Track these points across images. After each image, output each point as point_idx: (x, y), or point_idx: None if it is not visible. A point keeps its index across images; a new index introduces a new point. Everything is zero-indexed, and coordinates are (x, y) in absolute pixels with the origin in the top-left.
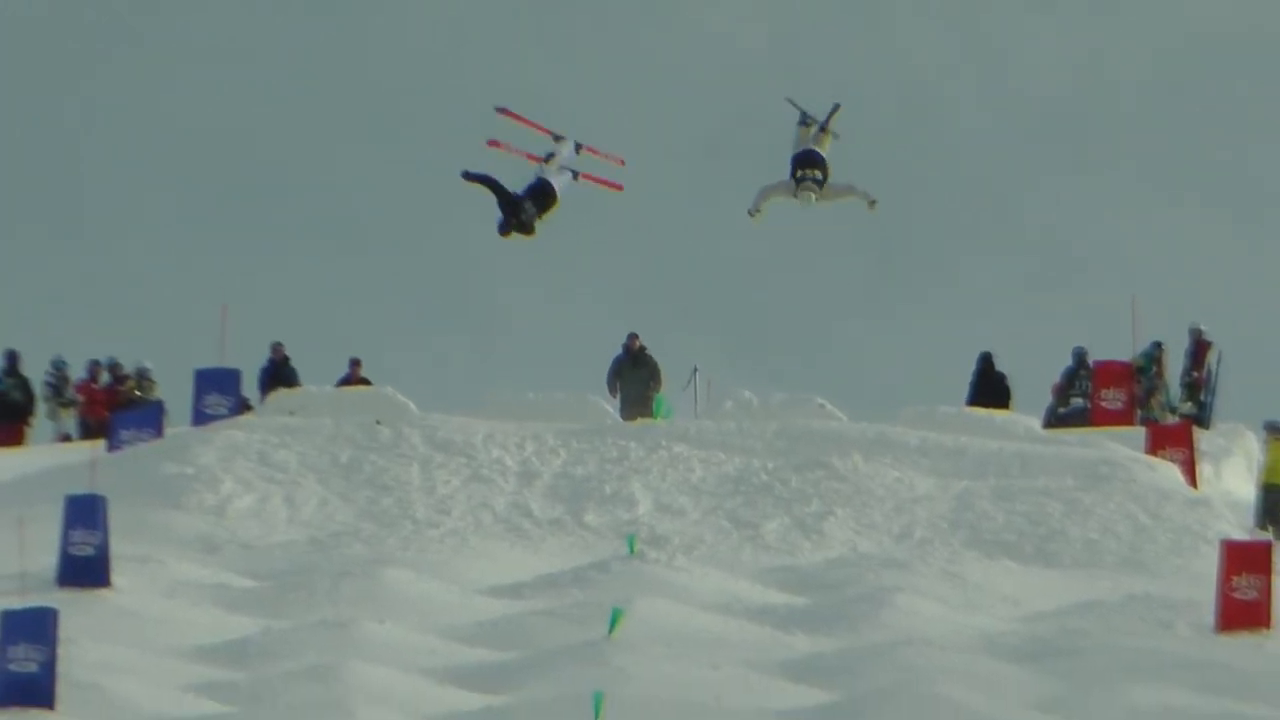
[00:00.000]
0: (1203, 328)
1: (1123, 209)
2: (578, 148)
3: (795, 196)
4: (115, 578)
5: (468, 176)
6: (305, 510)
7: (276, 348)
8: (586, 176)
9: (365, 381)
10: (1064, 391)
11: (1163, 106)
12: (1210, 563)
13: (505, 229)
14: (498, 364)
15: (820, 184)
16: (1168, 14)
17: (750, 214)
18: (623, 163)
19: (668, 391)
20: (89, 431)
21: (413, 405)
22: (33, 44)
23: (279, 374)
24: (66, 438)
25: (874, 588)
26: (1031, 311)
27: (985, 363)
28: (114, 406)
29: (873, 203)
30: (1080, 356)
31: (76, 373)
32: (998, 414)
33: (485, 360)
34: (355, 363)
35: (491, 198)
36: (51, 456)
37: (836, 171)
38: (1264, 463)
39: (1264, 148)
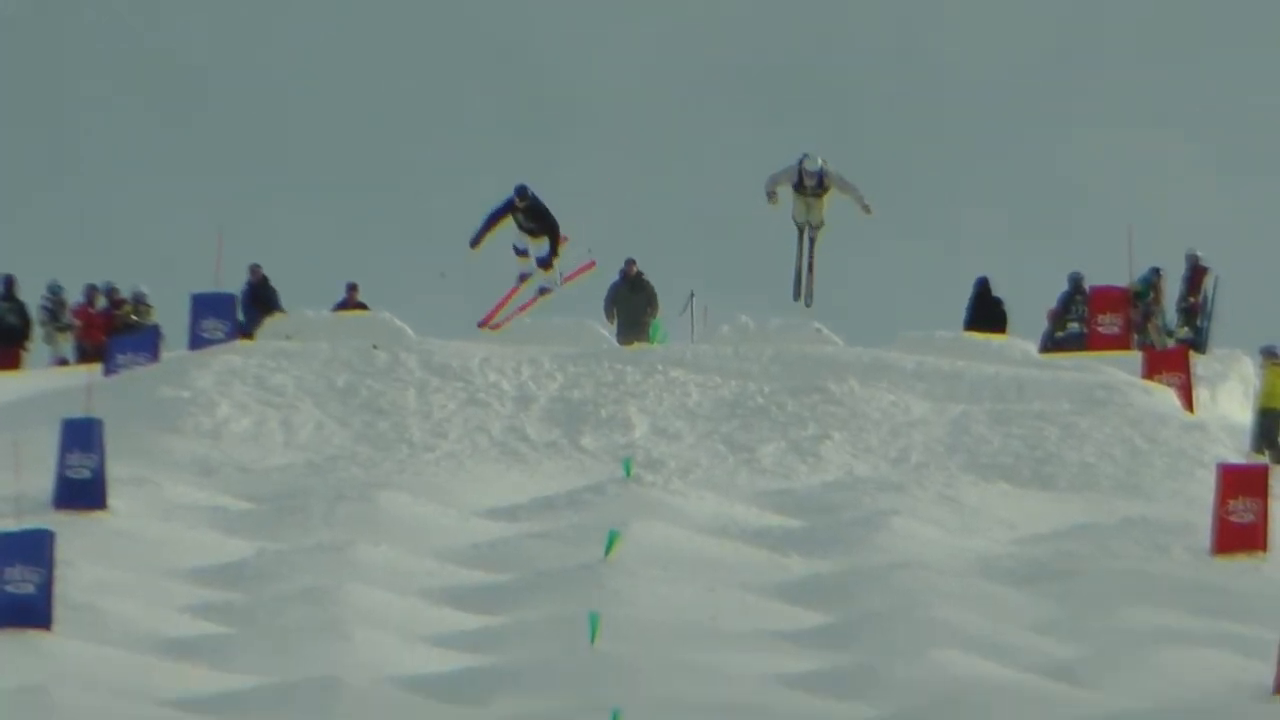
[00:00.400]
0: (1199, 253)
1: (1119, 136)
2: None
3: (798, 191)
4: (111, 500)
5: (475, 242)
6: (302, 434)
7: (254, 269)
8: (566, 279)
9: (362, 306)
10: (1060, 317)
11: (1157, 33)
12: (1206, 486)
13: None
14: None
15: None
16: None
17: (768, 199)
18: (594, 264)
19: (664, 316)
20: (85, 356)
21: (409, 330)
22: None
23: (259, 296)
24: (63, 362)
25: (870, 511)
26: (1028, 238)
27: (982, 287)
28: (110, 331)
29: (867, 208)
30: (1076, 281)
31: (73, 297)
32: (994, 339)
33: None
34: (352, 287)
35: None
36: (48, 380)
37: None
38: (1260, 387)
39: (1258, 75)
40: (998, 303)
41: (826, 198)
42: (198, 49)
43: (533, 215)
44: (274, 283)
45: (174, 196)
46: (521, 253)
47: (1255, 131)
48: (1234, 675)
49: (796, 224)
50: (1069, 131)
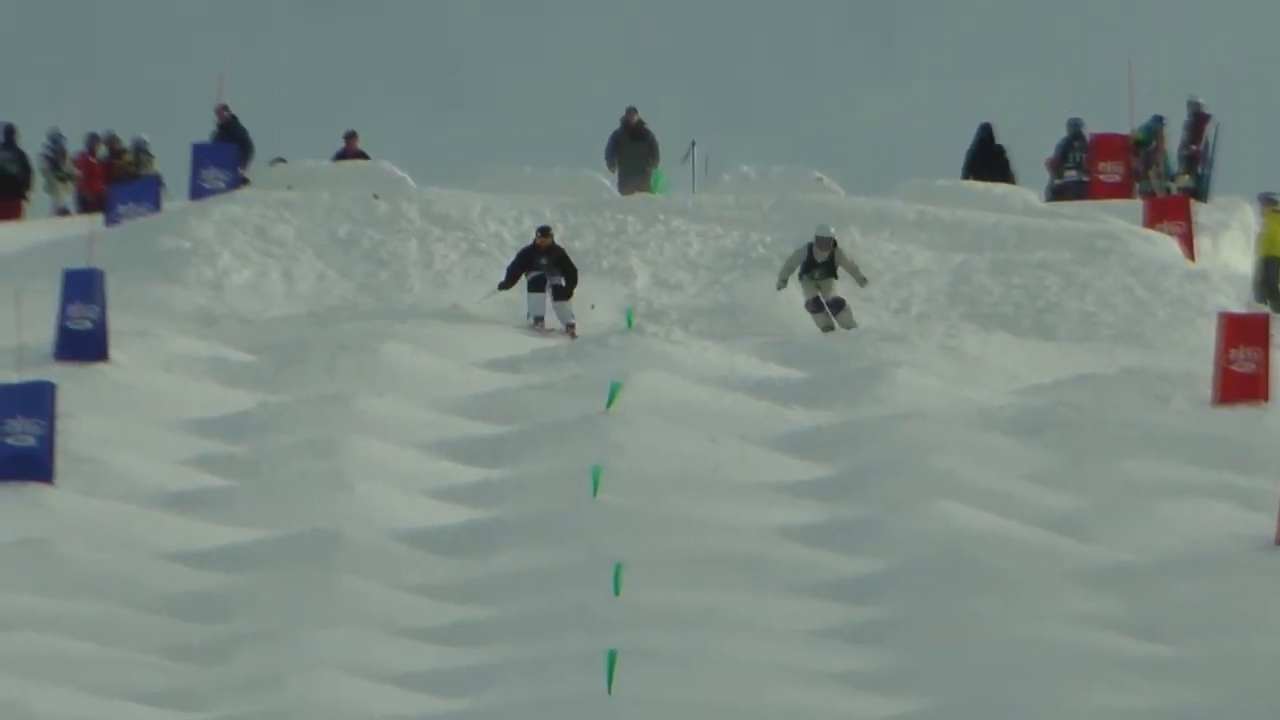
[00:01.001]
0: (1201, 100)
1: None
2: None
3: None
4: (113, 352)
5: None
6: (303, 284)
7: (220, 110)
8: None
9: (361, 155)
10: (1059, 164)
11: None
12: (1208, 336)
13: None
14: (495, 139)
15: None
16: None
17: (779, 287)
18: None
19: (665, 166)
20: (86, 206)
21: (410, 179)
22: None
23: (228, 138)
24: (64, 212)
25: (872, 361)
26: (1029, 84)
27: (985, 134)
28: (111, 180)
29: (863, 281)
30: (1076, 128)
31: (74, 146)
32: (996, 187)
33: (483, 135)
34: (350, 136)
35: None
36: (49, 231)
37: None
38: (1261, 235)
39: None
40: (1000, 150)
41: (836, 282)
42: None
43: (557, 262)
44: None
45: (175, 44)
46: (538, 319)
47: None
48: (1235, 526)
49: (807, 303)
50: None
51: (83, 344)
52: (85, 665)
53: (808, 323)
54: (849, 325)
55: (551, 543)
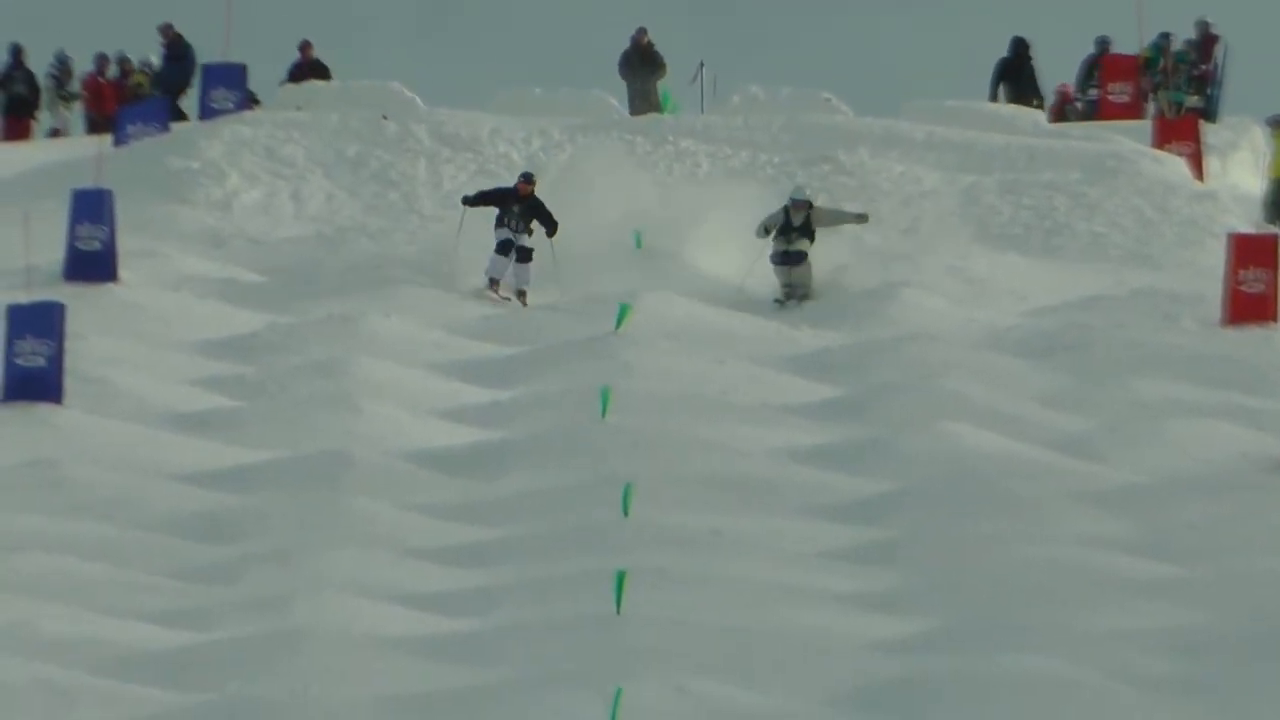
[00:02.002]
0: (1210, 20)
1: None
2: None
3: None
4: (122, 272)
5: (468, 202)
6: (311, 205)
7: (165, 29)
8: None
9: (318, 64)
10: (1084, 82)
11: None
12: (1217, 256)
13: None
14: (504, 60)
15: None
16: None
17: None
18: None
19: (673, 87)
20: (96, 126)
21: (419, 100)
22: None
23: (175, 55)
24: (55, 133)
25: (881, 282)
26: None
27: (1020, 47)
28: (121, 101)
29: (861, 217)
30: (1104, 46)
31: (83, 67)
32: (1005, 108)
33: (492, 56)
34: (305, 46)
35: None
36: (57, 151)
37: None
38: (1271, 156)
39: None
40: (1032, 69)
41: (809, 243)
42: None
43: (531, 211)
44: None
45: None
46: (494, 281)
47: None
48: (1243, 446)
49: (772, 255)
50: None
51: (92, 264)
52: (93, 586)
53: (817, 241)
54: (805, 284)
55: (560, 463)
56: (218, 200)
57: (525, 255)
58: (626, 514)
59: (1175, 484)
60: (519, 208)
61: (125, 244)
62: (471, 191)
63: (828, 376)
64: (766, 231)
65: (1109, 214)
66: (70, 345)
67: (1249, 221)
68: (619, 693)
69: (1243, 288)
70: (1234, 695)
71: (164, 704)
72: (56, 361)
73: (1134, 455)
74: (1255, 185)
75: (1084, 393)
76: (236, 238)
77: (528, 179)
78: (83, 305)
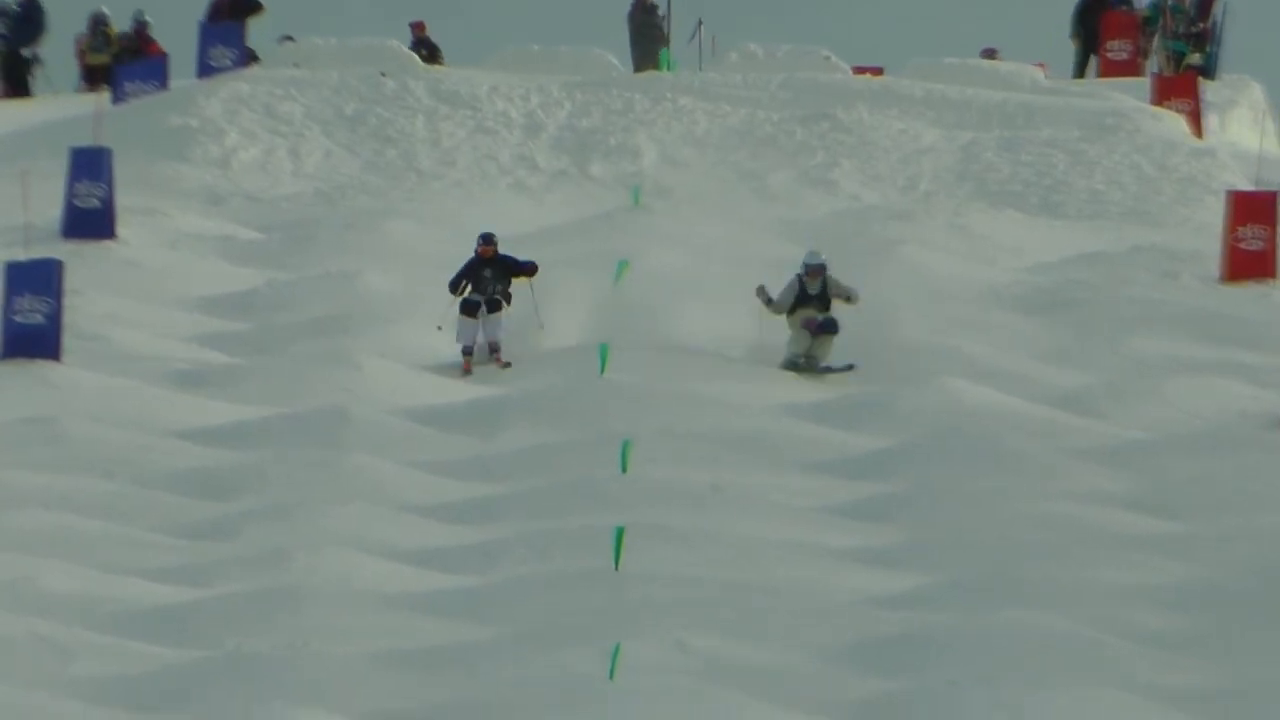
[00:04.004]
0: None
1: None
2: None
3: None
4: (120, 229)
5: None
6: (310, 162)
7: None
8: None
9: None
10: (1076, 28)
11: None
12: (1216, 213)
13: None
14: (503, 17)
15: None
16: None
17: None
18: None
19: (672, 45)
20: (93, 82)
21: (418, 57)
22: None
23: (29, 16)
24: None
25: (879, 239)
26: None
27: None
28: (118, 59)
29: (854, 299)
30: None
31: (78, 28)
32: (1003, 65)
33: (490, 13)
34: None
35: None
36: (56, 109)
37: None
38: None
39: None
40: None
41: (832, 339)
42: None
43: (502, 272)
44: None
45: None
46: (466, 351)
47: None
48: (1243, 403)
49: (791, 358)
50: None
51: (90, 222)
52: (92, 542)
53: (816, 199)
54: (825, 356)
55: (559, 420)
56: (216, 158)
57: (494, 305)
58: (625, 470)
59: (1174, 440)
60: (489, 271)
61: (123, 201)
62: (449, 280)
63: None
64: (776, 310)
65: (1108, 171)
66: (69, 302)
67: (1247, 179)
68: (618, 649)
69: (1241, 245)
70: (1232, 651)
71: (163, 660)
72: (55, 319)
73: (1133, 411)
74: (1253, 142)
75: (1083, 349)
76: (235, 195)
77: (486, 240)
78: (81, 263)
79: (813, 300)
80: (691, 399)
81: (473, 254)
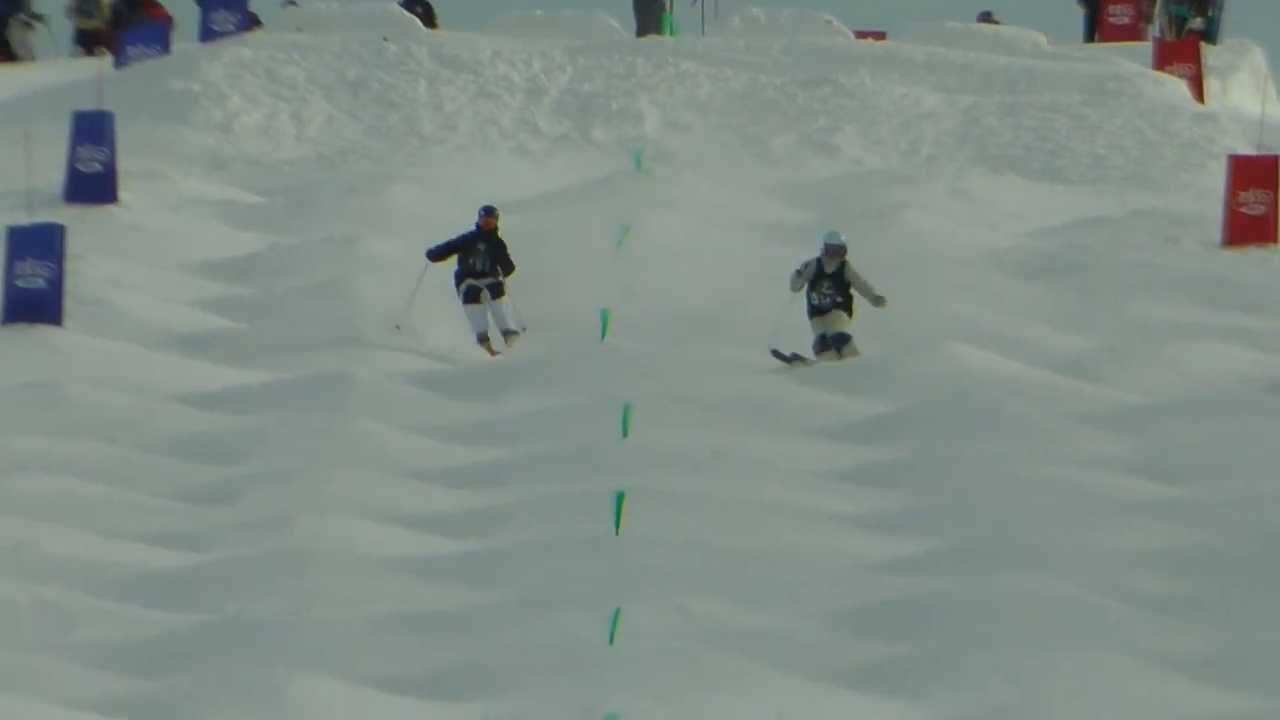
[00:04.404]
0: None
1: None
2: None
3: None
4: (123, 194)
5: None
6: (312, 127)
7: None
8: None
9: None
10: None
11: None
12: (1217, 178)
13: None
14: None
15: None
16: None
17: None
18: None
19: (675, 9)
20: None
21: (420, 22)
22: None
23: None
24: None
25: (881, 204)
26: None
27: None
28: (121, 24)
29: (878, 300)
30: None
31: None
32: (1005, 29)
33: None
34: None
35: None
36: (58, 73)
37: None
38: None
39: None
40: None
41: (844, 315)
42: None
43: (493, 251)
44: None
45: None
46: (482, 338)
47: None
48: (1244, 368)
49: (815, 342)
50: None
51: (92, 186)
52: (95, 507)
53: (817, 163)
54: (850, 355)
55: (560, 384)
56: (218, 122)
57: (497, 290)
58: (626, 435)
59: (1175, 405)
60: (484, 245)
61: (126, 166)
62: (434, 245)
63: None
64: (800, 277)
65: (1109, 136)
66: (70, 267)
67: (1249, 143)
68: (618, 613)
69: (1243, 209)
70: (1233, 615)
71: (165, 624)
72: (57, 283)
73: (1134, 376)
74: (1255, 107)
75: (1085, 314)
76: (237, 159)
77: (489, 212)
78: (83, 227)
79: (827, 279)
80: (693, 364)
81: (474, 226)
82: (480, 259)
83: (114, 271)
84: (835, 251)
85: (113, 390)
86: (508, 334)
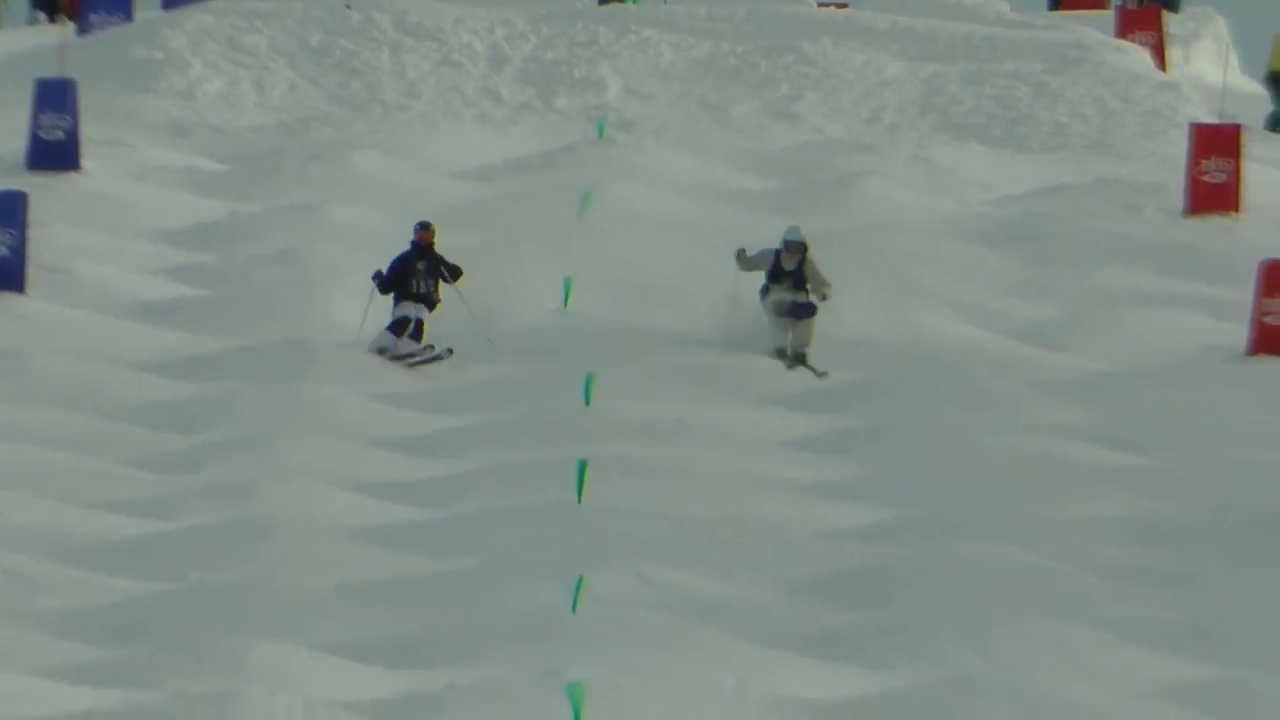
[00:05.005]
0: None
1: None
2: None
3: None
4: (85, 161)
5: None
6: (274, 94)
7: None
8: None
9: None
10: None
11: None
12: (1179, 146)
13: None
14: None
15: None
16: None
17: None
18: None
19: None
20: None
21: None
22: None
23: None
24: None
25: (843, 172)
26: None
27: None
28: None
29: (824, 296)
30: None
31: None
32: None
33: None
34: None
35: None
36: (20, 40)
37: None
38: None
39: None
40: None
41: (812, 321)
42: None
43: (433, 268)
44: None
45: None
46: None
47: None
48: (1206, 336)
49: (776, 351)
50: None
51: (55, 153)
52: (58, 475)
53: (780, 131)
54: (807, 343)
55: (523, 353)
56: (181, 90)
57: (418, 330)
58: (589, 404)
59: (1137, 374)
60: (423, 264)
61: (88, 133)
62: (378, 274)
63: None
64: (748, 266)
65: (1072, 104)
66: (33, 234)
67: (1211, 111)
68: (581, 581)
69: (1204, 178)
70: (1195, 584)
71: (129, 592)
72: (20, 251)
73: (1096, 344)
74: (1218, 75)
75: (1047, 282)
76: (199, 127)
77: (424, 226)
78: (46, 194)
79: (787, 277)
80: (655, 333)
81: (410, 246)
82: (420, 280)
83: (77, 239)
84: (795, 248)
85: (76, 358)
86: (429, 347)
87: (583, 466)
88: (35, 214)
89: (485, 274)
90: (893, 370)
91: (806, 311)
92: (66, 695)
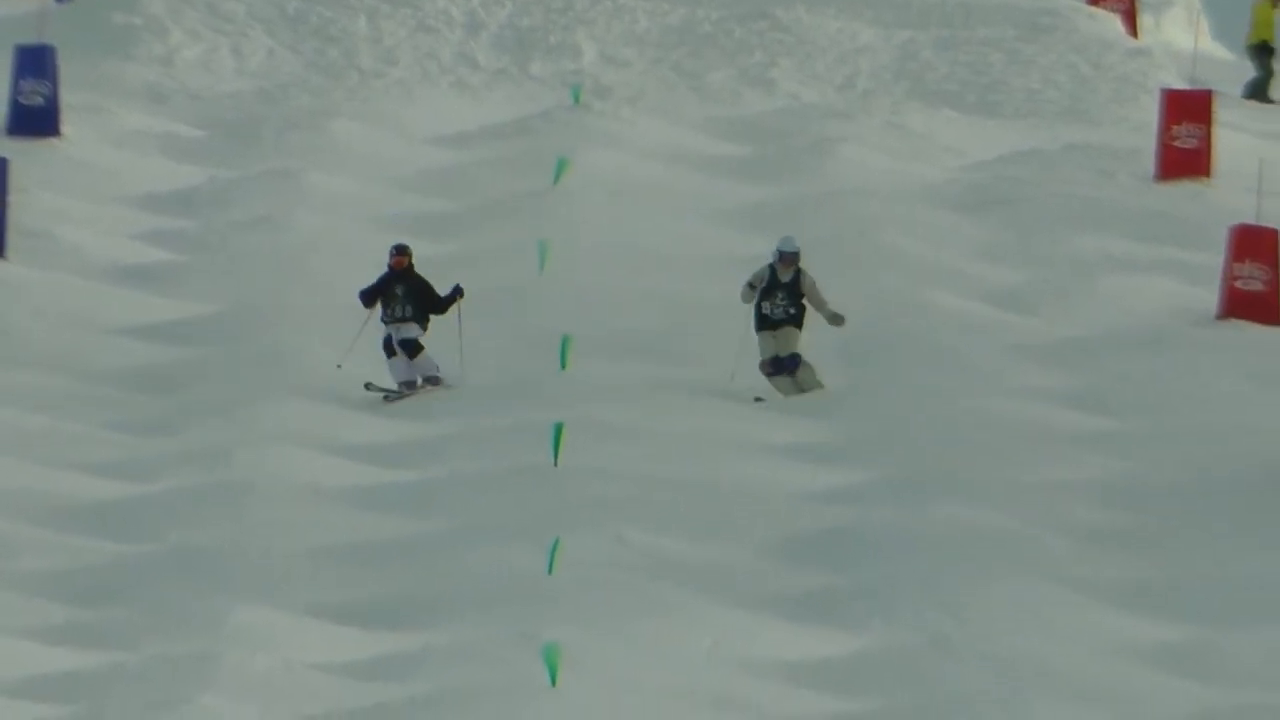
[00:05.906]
0: None
1: None
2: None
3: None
4: (65, 127)
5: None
6: (253, 61)
7: None
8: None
9: None
10: None
11: None
12: (1150, 112)
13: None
14: None
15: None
16: None
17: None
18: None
19: None
20: None
21: None
22: None
23: None
24: None
25: (818, 138)
26: None
27: None
28: None
29: (834, 317)
30: None
31: None
32: None
33: None
34: None
35: None
36: None
37: None
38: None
39: None
40: None
41: (796, 331)
42: None
43: (411, 292)
44: None
45: None
46: (408, 387)
47: None
48: (1177, 301)
49: (763, 364)
50: None
51: (35, 119)
52: (36, 438)
53: (754, 98)
54: (811, 386)
55: (499, 317)
56: (160, 56)
57: (410, 349)
58: (565, 367)
59: (1109, 338)
60: (401, 288)
61: (68, 99)
62: (362, 290)
63: (766, 231)
64: (752, 289)
65: (1044, 70)
66: (13, 199)
67: (1182, 77)
68: (557, 543)
69: (1176, 143)
70: (1164, 546)
71: (105, 554)
72: (0, 216)
73: (1069, 309)
74: (1188, 41)
75: (1020, 247)
76: (178, 93)
77: (400, 250)
78: (26, 160)
79: (781, 289)
80: (630, 296)
81: (386, 270)
82: (398, 304)
83: (56, 204)
84: (790, 259)
85: (54, 322)
86: (430, 379)
87: (559, 429)
88: (15, 179)
89: (462, 236)
90: (866, 334)
91: (794, 363)
92: (45, 657)
